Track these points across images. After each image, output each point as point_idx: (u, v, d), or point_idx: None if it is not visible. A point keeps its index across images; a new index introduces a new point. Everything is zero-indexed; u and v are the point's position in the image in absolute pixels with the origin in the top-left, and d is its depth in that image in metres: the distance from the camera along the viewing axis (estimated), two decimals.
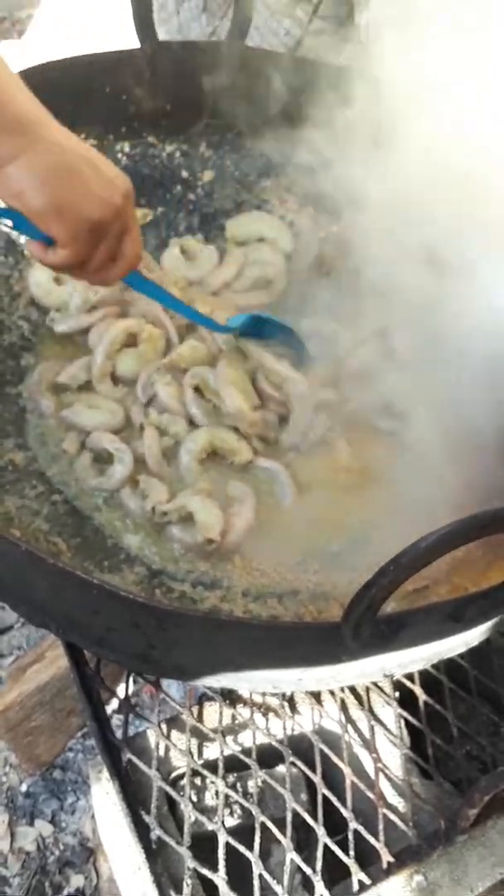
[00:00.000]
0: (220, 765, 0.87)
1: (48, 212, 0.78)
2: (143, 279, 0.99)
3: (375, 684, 0.97)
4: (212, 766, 0.88)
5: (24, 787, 1.32)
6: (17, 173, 0.77)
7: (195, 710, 0.94)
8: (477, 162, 1.06)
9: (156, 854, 0.81)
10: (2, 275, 1.14)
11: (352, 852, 0.82)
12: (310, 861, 0.82)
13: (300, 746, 0.92)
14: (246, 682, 0.79)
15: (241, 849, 0.81)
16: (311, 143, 1.26)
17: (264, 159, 1.31)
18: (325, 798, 0.86)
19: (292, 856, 0.81)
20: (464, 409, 1.11)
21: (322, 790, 0.86)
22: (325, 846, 0.82)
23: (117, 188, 0.82)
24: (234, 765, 0.90)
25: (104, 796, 0.85)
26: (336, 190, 1.29)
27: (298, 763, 0.89)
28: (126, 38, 1.17)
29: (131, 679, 0.95)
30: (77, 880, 1.23)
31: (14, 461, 1.00)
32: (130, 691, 0.93)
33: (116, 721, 0.90)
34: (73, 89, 1.14)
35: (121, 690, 0.94)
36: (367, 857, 0.84)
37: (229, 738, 0.92)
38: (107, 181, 0.81)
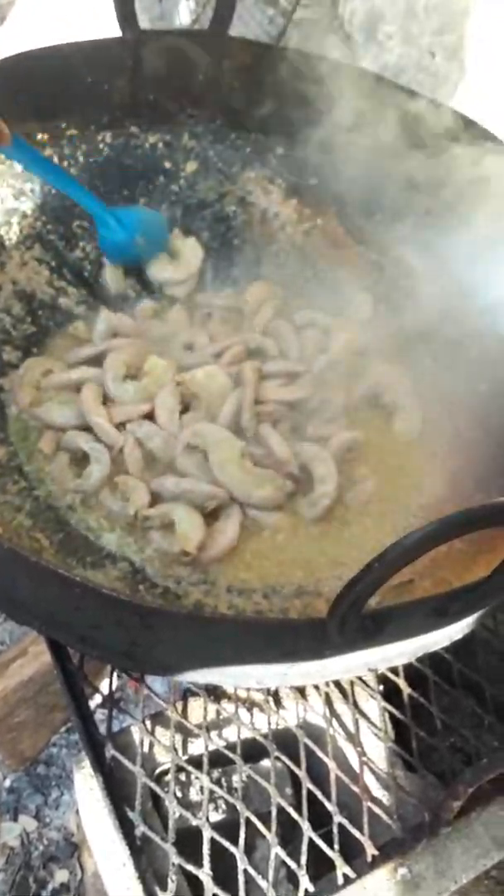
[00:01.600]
0: (205, 760, 0.87)
1: None
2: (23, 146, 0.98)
3: (360, 678, 0.97)
4: (196, 762, 0.88)
5: (7, 783, 1.31)
6: None
7: (179, 705, 0.93)
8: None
9: (140, 850, 0.81)
10: None
11: (336, 846, 0.82)
12: (294, 855, 0.82)
13: (285, 741, 0.92)
14: (230, 677, 0.78)
15: (226, 844, 0.81)
16: (296, 134, 1.26)
17: (248, 150, 1.30)
18: (309, 792, 0.86)
19: (277, 850, 0.81)
20: (449, 399, 1.13)
21: (307, 784, 0.86)
22: (310, 840, 0.82)
23: None
24: (218, 760, 0.90)
25: (88, 792, 0.84)
26: (321, 182, 1.29)
27: (283, 757, 0.89)
28: (108, 27, 1.15)
29: (115, 675, 0.95)
30: (62, 875, 1.23)
31: None
32: (114, 687, 0.92)
33: (100, 716, 0.90)
34: (54, 78, 1.12)
35: (104, 686, 0.93)
36: (351, 851, 0.84)
37: (214, 734, 0.91)
38: None
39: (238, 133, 1.29)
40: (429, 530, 0.57)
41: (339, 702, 0.95)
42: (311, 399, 1.10)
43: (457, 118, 1.16)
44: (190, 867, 0.79)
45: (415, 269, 1.25)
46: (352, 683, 0.96)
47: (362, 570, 0.60)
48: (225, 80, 1.25)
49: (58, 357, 1.12)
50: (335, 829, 0.83)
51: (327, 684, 0.96)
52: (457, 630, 0.84)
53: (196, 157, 1.29)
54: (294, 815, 0.84)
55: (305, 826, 0.83)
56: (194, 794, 0.90)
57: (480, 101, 1.38)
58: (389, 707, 0.95)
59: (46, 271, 1.19)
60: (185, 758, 0.89)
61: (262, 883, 0.80)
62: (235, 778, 0.89)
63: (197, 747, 0.91)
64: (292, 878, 0.84)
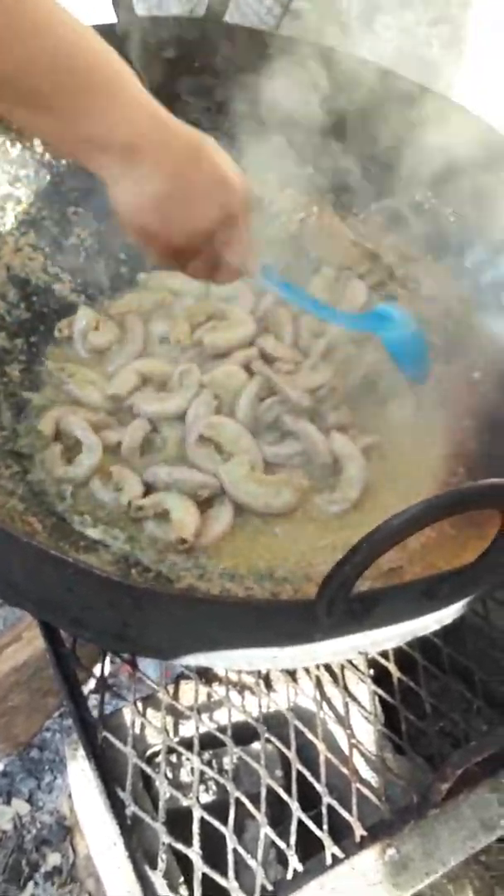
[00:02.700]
0: (196, 742, 0.88)
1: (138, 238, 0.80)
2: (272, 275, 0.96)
3: (350, 662, 0.98)
4: (187, 744, 0.89)
5: (0, 767, 1.32)
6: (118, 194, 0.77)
7: (171, 688, 0.94)
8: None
9: (131, 830, 0.82)
10: None
11: (325, 826, 0.83)
12: (284, 836, 0.83)
13: (275, 723, 0.93)
14: (221, 660, 0.79)
15: (216, 824, 0.82)
16: (292, 122, 1.26)
17: (243, 139, 1.30)
18: (299, 774, 0.87)
19: (266, 830, 0.82)
20: (443, 387, 1.13)
21: (296, 766, 0.87)
22: (299, 821, 0.84)
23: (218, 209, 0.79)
24: (209, 742, 0.91)
25: (80, 773, 0.85)
26: (316, 170, 1.29)
27: (273, 739, 0.90)
28: (103, 13, 1.15)
29: (108, 659, 0.96)
30: (54, 858, 1.24)
31: None
32: (107, 671, 0.93)
33: (93, 701, 0.90)
34: None
35: (97, 670, 0.94)
36: (340, 832, 0.85)
37: (205, 716, 0.92)
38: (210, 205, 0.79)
39: (232, 122, 1.30)
40: (415, 511, 0.58)
41: (329, 685, 0.96)
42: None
43: (452, 107, 1.17)
44: (180, 846, 0.80)
45: (411, 258, 1.25)
46: (342, 667, 0.97)
47: (349, 552, 0.61)
48: (220, 68, 1.25)
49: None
50: (324, 811, 0.84)
51: (318, 668, 0.97)
52: (446, 615, 0.84)
53: None
54: (284, 795, 0.85)
55: (295, 807, 0.84)
56: (185, 776, 0.91)
57: (478, 92, 1.38)
58: (379, 691, 0.96)
59: (41, 257, 1.19)
60: (177, 739, 0.90)
61: (252, 862, 0.81)
62: (226, 760, 0.89)
63: (188, 729, 0.92)
64: (282, 859, 0.85)
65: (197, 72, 1.24)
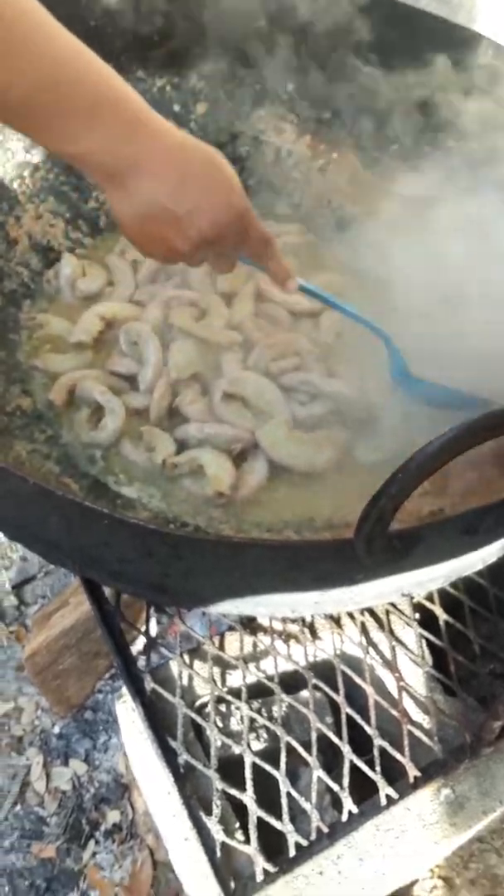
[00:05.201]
0: (244, 691, 0.88)
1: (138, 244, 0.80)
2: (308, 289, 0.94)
3: (395, 606, 0.97)
4: (235, 693, 0.89)
5: (56, 729, 1.34)
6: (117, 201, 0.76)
7: (216, 640, 0.95)
8: None
9: (184, 778, 0.82)
10: None
11: (378, 769, 0.83)
12: (337, 779, 0.83)
13: (323, 671, 0.92)
14: (263, 606, 0.78)
15: (268, 768, 0.82)
16: (306, 68, 1.23)
17: (258, 87, 1.28)
18: (349, 718, 0.87)
19: (319, 773, 0.82)
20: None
21: (346, 710, 0.87)
22: (352, 764, 0.83)
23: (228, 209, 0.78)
24: (258, 691, 0.91)
25: (131, 726, 0.86)
26: (335, 115, 1.26)
27: (322, 685, 0.89)
28: None
29: (153, 619, 0.96)
30: (113, 816, 1.26)
31: (21, 406, 1.00)
32: (153, 631, 0.94)
33: (141, 660, 0.91)
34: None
35: (143, 629, 0.95)
36: (393, 774, 0.85)
37: (252, 666, 0.92)
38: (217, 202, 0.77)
39: (247, 71, 1.27)
40: (451, 436, 0.56)
41: (375, 630, 0.96)
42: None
43: (479, 41, 1.13)
44: (234, 792, 0.81)
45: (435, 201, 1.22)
46: (387, 612, 0.96)
47: (386, 483, 0.60)
48: (230, 17, 1.22)
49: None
50: (376, 753, 0.84)
51: (362, 613, 0.96)
52: (490, 552, 0.83)
53: (205, 98, 1.27)
54: (335, 739, 0.85)
55: (346, 750, 0.84)
56: (234, 725, 0.91)
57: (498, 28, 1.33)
58: (426, 634, 0.95)
59: (62, 223, 1.19)
60: (225, 689, 0.90)
61: (306, 805, 0.81)
62: (275, 708, 0.90)
63: (235, 679, 0.92)
64: (336, 804, 0.85)
65: (206, 24, 1.21)
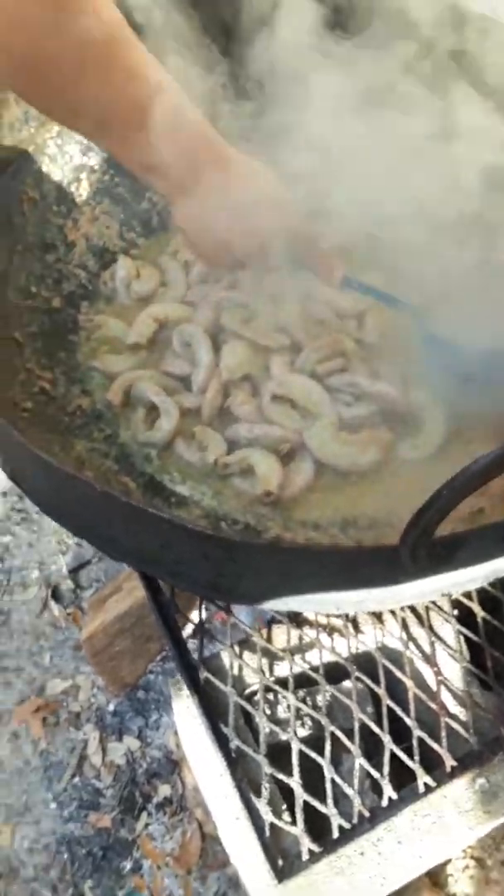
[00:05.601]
0: (291, 681, 0.93)
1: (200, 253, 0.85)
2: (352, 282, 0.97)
3: (434, 603, 1.01)
4: (282, 683, 0.94)
5: (111, 707, 1.42)
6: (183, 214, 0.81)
7: (264, 632, 1.00)
8: None
9: (235, 762, 0.88)
10: (56, 224, 1.17)
11: (416, 758, 0.88)
12: (378, 767, 0.88)
13: (364, 663, 0.97)
14: (311, 604, 0.83)
15: (314, 755, 0.87)
16: None
17: None
18: (389, 710, 0.91)
19: (361, 761, 0.87)
20: None
21: (386, 702, 0.92)
22: (392, 753, 0.88)
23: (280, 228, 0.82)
24: (303, 682, 0.96)
25: (185, 711, 0.92)
26: None
27: (363, 678, 0.94)
28: None
29: (203, 607, 1.02)
30: (164, 790, 1.34)
31: (82, 406, 1.05)
32: (204, 618, 0.99)
33: (191, 645, 0.97)
34: None
35: (194, 617, 1.00)
36: (431, 764, 0.89)
37: (297, 657, 0.97)
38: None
39: None
40: (495, 455, 0.59)
41: (414, 626, 0.99)
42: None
43: None
44: (281, 776, 0.86)
45: None
46: (427, 608, 1.00)
47: (431, 498, 0.63)
48: None
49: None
50: (415, 743, 0.89)
51: (403, 609, 1.00)
52: None
53: None
54: (376, 729, 0.90)
55: (387, 739, 0.89)
56: (282, 712, 0.96)
57: None
58: (464, 630, 0.99)
59: (117, 224, 1.23)
60: (272, 679, 0.96)
61: (349, 791, 0.86)
62: (319, 698, 0.95)
63: (282, 670, 0.97)
64: (376, 789, 0.90)
65: None
